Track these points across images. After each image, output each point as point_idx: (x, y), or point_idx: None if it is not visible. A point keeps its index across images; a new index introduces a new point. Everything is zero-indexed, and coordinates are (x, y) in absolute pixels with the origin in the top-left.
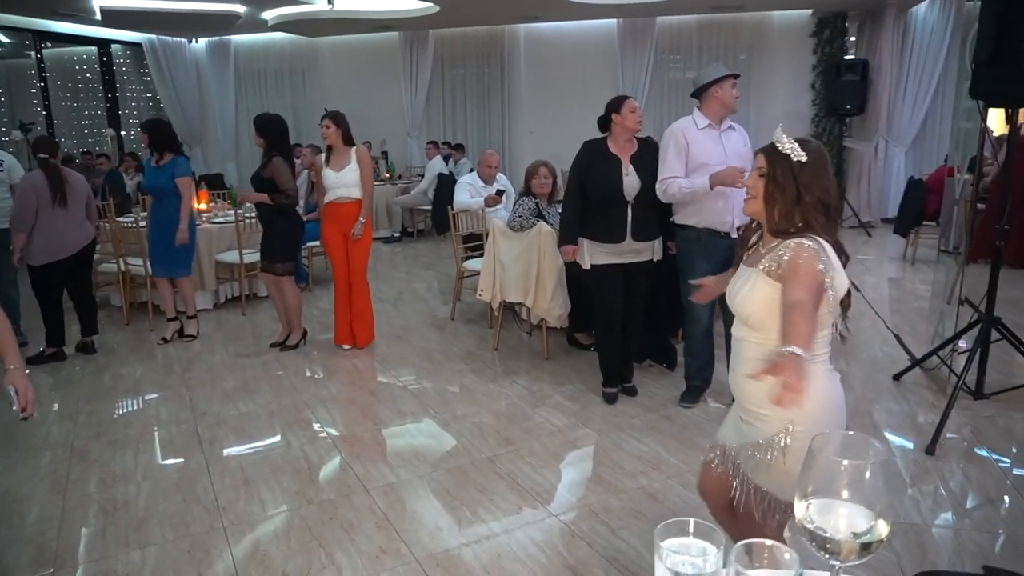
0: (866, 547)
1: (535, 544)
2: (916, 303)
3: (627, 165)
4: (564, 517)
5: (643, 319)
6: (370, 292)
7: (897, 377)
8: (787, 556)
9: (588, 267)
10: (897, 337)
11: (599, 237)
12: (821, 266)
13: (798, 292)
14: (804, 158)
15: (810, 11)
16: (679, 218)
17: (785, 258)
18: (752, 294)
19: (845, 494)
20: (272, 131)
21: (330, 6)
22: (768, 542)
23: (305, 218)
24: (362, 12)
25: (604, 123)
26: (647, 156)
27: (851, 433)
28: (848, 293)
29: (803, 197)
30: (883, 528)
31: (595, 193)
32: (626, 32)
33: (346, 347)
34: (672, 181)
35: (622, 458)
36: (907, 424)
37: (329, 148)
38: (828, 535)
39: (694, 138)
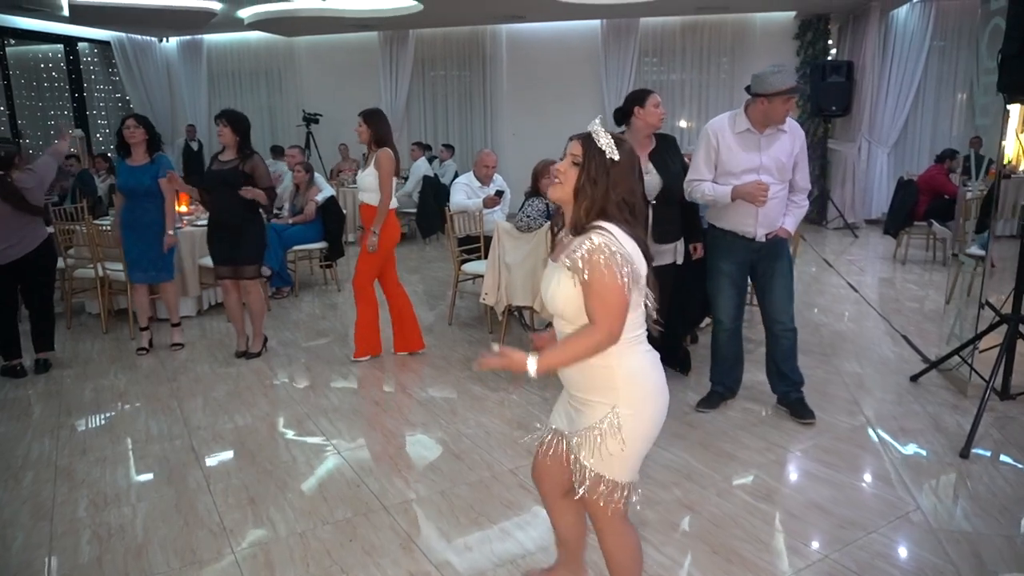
0: None
1: None
2: (913, 303)
3: (646, 163)
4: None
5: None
6: (372, 302)
7: (914, 379)
8: None
9: None
10: (906, 339)
11: None
12: (606, 255)
13: (596, 291)
14: (617, 157)
15: (793, 13)
16: (708, 216)
17: (577, 255)
18: (559, 290)
19: None
20: (245, 127)
21: (323, 2)
22: None
23: (291, 221)
24: (344, 11)
25: (622, 116)
26: (666, 153)
27: None
28: (649, 273)
29: (610, 194)
30: None
31: None
32: (609, 33)
33: (362, 357)
34: (697, 184)
35: (651, 467)
36: (933, 427)
37: (369, 147)
38: None
39: (727, 142)
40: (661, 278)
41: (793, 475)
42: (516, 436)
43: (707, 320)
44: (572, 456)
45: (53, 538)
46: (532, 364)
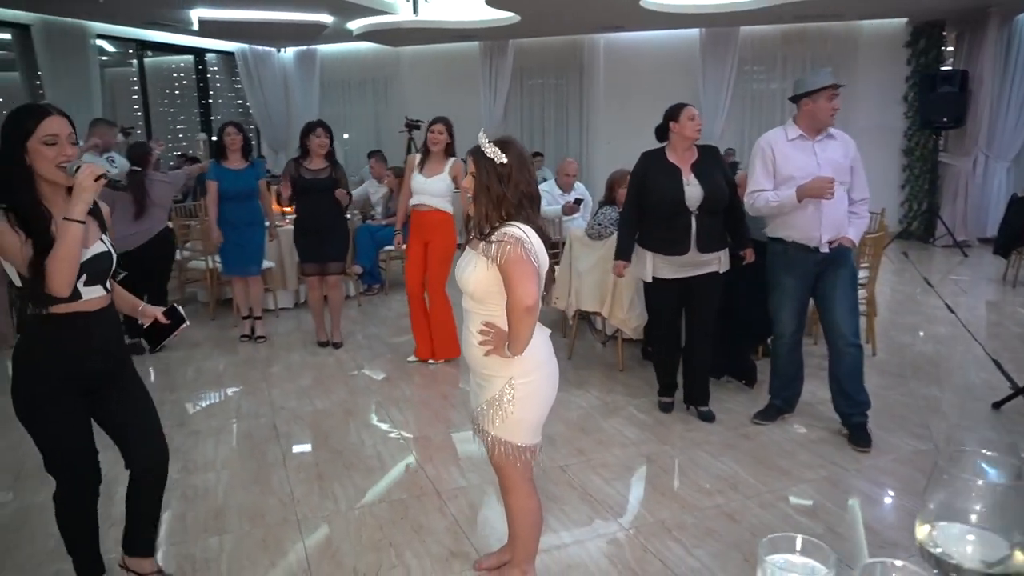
0: None
1: (606, 557)
2: (1018, 328)
3: (688, 174)
4: (636, 532)
5: (715, 334)
6: (450, 304)
7: (997, 406)
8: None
9: (649, 279)
10: (997, 363)
11: (661, 249)
12: (523, 253)
13: (516, 283)
14: (504, 159)
15: (905, 20)
16: (770, 230)
17: (494, 247)
18: (475, 273)
19: (975, 518)
20: (333, 137)
21: (415, 15)
22: (898, 563)
23: (384, 222)
24: (444, 22)
25: (662, 132)
26: (709, 164)
27: (985, 452)
28: (552, 269)
29: (507, 194)
30: (1021, 559)
31: (656, 204)
32: (708, 42)
33: (430, 363)
34: (759, 195)
35: (697, 475)
36: (1009, 455)
37: (426, 152)
38: (955, 562)
39: (782, 150)
40: (705, 288)
41: (843, 493)
42: (572, 436)
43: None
44: (479, 426)
45: None
46: (507, 350)
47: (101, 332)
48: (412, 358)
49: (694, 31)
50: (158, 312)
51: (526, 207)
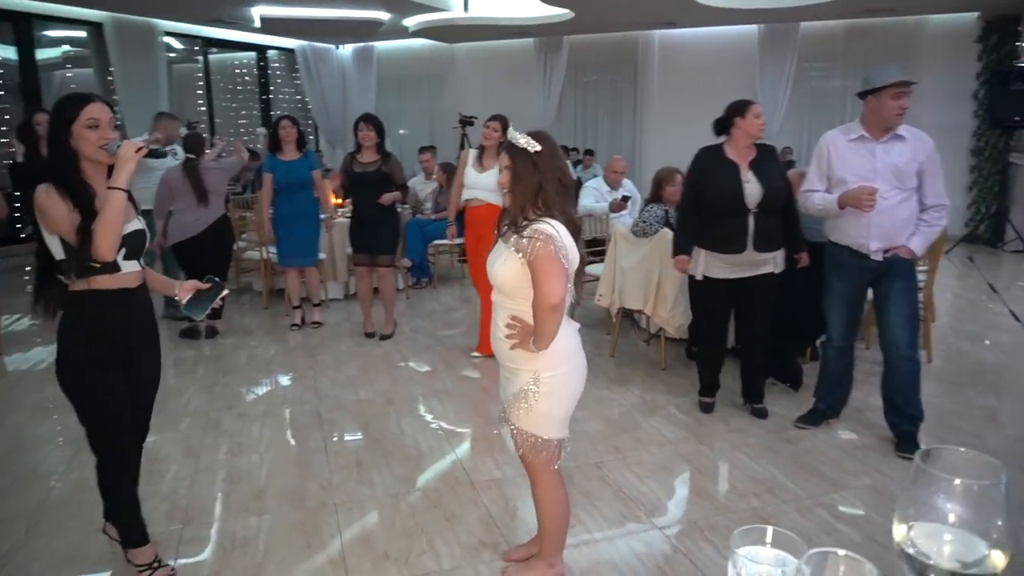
0: None
1: (635, 555)
2: None
3: (746, 171)
4: (668, 531)
5: (768, 335)
6: None
7: None
8: (867, 569)
9: (700, 278)
10: None
11: (717, 247)
12: (553, 250)
13: (543, 280)
14: (539, 147)
15: (976, 14)
16: (826, 230)
17: (525, 242)
18: (504, 267)
19: (953, 518)
20: (384, 130)
21: (465, 12)
22: (841, 552)
23: (433, 217)
24: (498, 18)
25: (722, 126)
26: (767, 163)
27: (963, 450)
28: (581, 265)
29: (544, 182)
30: (998, 560)
31: (713, 201)
32: (766, 38)
33: (474, 356)
34: (809, 195)
35: (734, 477)
36: None
37: (482, 148)
38: (931, 562)
39: (838, 151)
40: (761, 288)
41: (887, 502)
42: (610, 433)
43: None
44: (506, 418)
45: (196, 472)
46: (532, 346)
47: (137, 305)
48: (476, 354)
49: (752, 27)
50: (197, 282)
51: (562, 195)
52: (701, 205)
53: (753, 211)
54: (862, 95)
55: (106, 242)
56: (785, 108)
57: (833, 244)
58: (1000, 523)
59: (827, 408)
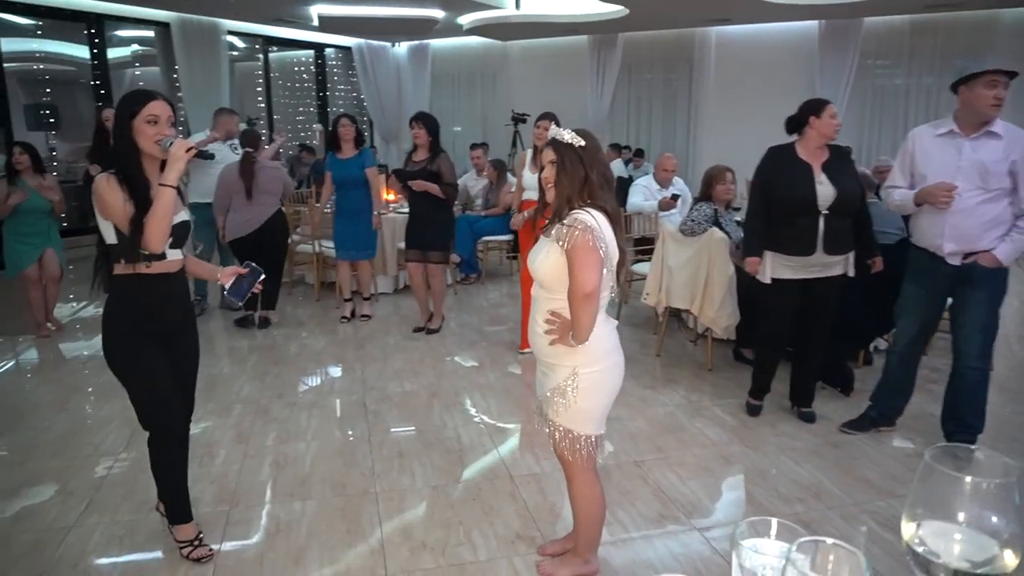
0: None
1: (672, 556)
2: None
3: (819, 172)
4: (708, 533)
5: (827, 339)
6: None
7: None
8: (859, 559)
9: (768, 281)
10: None
11: (786, 249)
12: (590, 240)
13: (578, 269)
14: (583, 142)
15: None
16: (909, 232)
17: (565, 231)
18: (546, 260)
19: (963, 517)
20: (437, 128)
21: (517, 10)
22: (829, 541)
23: (483, 214)
24: (552, 16)
25: (795, 124)
26: (841, 165)
27: (976, 448)
28: (623, 255)
29: (590, 174)
30: (1010, 559)
31: (783, 202)
32: (828, 34)
33: (519, 352)
34: (890, 191)
35: (778, 481)
36: None
37: (535, 149)
38: (941, 561)
39: (923, 146)
40: (829, 290)
41: None
42: (653, 433)
43: (882, 343)
44: (543, 414)
45: (245, 458)
46: (571, 340)
47: (178, 288)
48: (527, 350)
49: (812, 23)
50: (237, 268)
51: (605, 188)
52: (771, 205)
53: (824, 213)
54: (954, 87)
55: (156, 235)
56: (845, 106)
57: (913, 247)
58: (1013, 522)
59: (878, 415)
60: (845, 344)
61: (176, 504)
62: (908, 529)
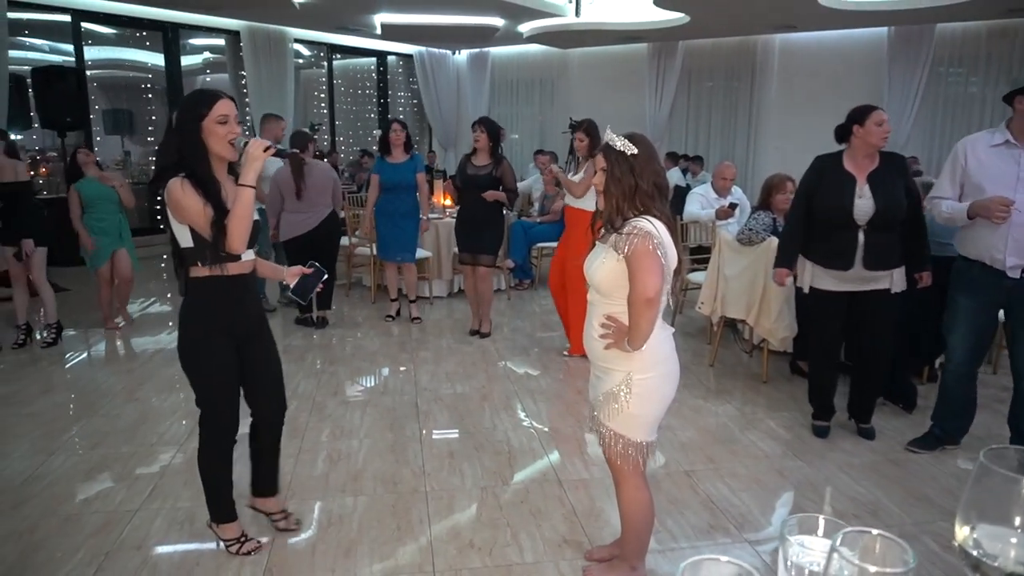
0: None
1: None
2: None
3: (862, 184)
4: (759, 547)
5: (887, 356)
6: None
7: None
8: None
9: (807, 290)
10: None
11: (824, 262)
12: (651, 246)
13: (639, 275)
14: (636, 150)
15: None
16: (956, 243)
17: (624, 238)
18: (603, 266)
19: (1019, 520)
20: (498, 134)
21: (576, 17)
22: (875, 531)
23: (538, 220)
24: (612, 23)
25: (843, 133)
26: (890, 175)
27: None
28: (679, 263)
29: (640, 185)
30: None
31: (820, 213)
32: (898, 41)
33: (566, 355)
34: (937, 202)
35: (835, 497)
36: None
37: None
38: (997, 565)
39: (978, 156)
40: (879, 304)
41: None
42: (704, 443)
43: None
44: (596, 418)
45: (300, 452)
46: (627, 345)
47: (251, 288)
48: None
49: (881, 30)
50: (302, 268)
51: (658, 197)
52: (811, 216)
53: (863, 227)
54: (1008, 98)
55: (239, 236)
56: (915, 115)
57: (963, 258)
58: None
59: (942, 433)
60: (907, 360)
61: (220, 504)
62: (962, 533)
